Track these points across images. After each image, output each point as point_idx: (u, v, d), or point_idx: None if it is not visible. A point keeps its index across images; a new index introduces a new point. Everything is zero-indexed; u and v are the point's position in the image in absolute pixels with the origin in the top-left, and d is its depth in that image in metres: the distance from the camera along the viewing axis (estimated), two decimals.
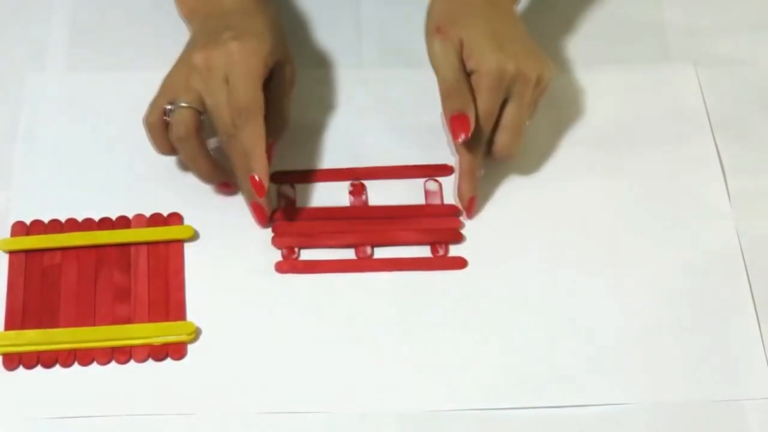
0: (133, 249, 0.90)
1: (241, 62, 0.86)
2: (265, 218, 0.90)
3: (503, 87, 0.88)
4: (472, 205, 0.91)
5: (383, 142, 0.95)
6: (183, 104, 0.87)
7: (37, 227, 0.90)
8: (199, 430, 0.82)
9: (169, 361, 0.85)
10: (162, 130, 0.88)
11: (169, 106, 0.87)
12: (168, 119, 0.88)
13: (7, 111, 0.96)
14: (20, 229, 0.90)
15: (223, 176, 0.91)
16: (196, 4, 0.93)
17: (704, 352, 0.86)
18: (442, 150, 0.95)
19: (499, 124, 0.89)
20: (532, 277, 0.89)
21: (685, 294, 0.88)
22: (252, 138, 0.86)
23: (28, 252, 0.89)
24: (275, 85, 0.91)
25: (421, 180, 0.94)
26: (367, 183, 0.94)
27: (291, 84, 0.92)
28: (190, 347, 0.86)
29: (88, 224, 0.91)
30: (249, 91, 0.86)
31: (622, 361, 0.85)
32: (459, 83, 0.89)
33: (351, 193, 0.93)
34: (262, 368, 0.85)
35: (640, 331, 0.87)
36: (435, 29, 0.90)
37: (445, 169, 0.94)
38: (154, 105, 0.89)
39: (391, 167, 0.94)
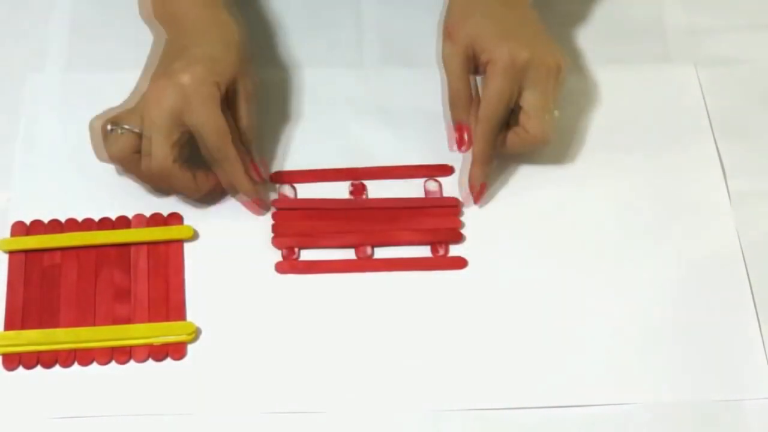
0: (133, 249, 0.90)
1: (194, 94, 0.86)
2: (262, 206, 0.91)
3: (516, 72, 0.88)
4: (481, 191, 0.91)
5: (383, 142, 0.95)
6: (126, 126, 0.87)
7: (37, 227, 0.90)
8: (199, 430, 0.83)
9: (169, 361, 0.85)
10: (99, 138, 0.89)
11: (109, 127, 0.88)
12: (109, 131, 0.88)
13: (7, 111, 0.96)
14: (20, 229, 0.90)
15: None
16: (160, 11, 0.93)
17: (704, 352, 0.86)
18: (442, 150, 0.94)
19: (521, 112, 0.89)
20: (532, 276, 0.89)
21: (685, 294, 0.88)
22: (229, 166, 0.88)
23: (28, 252, 0.89)
24: (233, 101, 0.89)
25: (421, 180, 0.94)
26: (367, 183, 0.94)
27: (248, 97, 0.90)
28: (190, 347, 0.86)
29: (88, 224, 0.91)
30: (211, 119, 0.86)
31: (622, 361, 0.85)
32: (462, 92, 0.90)
33: (351, 193, 0.93)
34: (261, 368, 0.85)
35: (641, 331, 0.87)
36: (446, 34, 0.91)
37: (445, 169, 0.94)
38: (107, 113, 0.89)
39: (391, 167, 0.94)
